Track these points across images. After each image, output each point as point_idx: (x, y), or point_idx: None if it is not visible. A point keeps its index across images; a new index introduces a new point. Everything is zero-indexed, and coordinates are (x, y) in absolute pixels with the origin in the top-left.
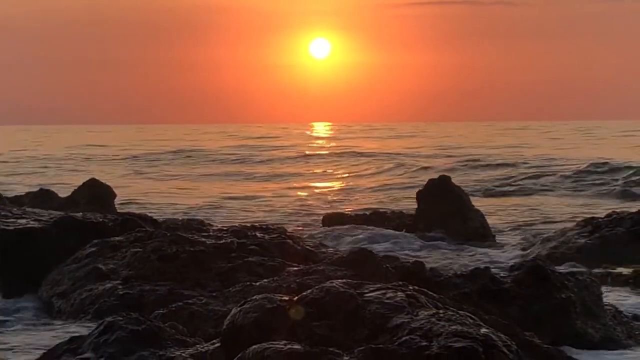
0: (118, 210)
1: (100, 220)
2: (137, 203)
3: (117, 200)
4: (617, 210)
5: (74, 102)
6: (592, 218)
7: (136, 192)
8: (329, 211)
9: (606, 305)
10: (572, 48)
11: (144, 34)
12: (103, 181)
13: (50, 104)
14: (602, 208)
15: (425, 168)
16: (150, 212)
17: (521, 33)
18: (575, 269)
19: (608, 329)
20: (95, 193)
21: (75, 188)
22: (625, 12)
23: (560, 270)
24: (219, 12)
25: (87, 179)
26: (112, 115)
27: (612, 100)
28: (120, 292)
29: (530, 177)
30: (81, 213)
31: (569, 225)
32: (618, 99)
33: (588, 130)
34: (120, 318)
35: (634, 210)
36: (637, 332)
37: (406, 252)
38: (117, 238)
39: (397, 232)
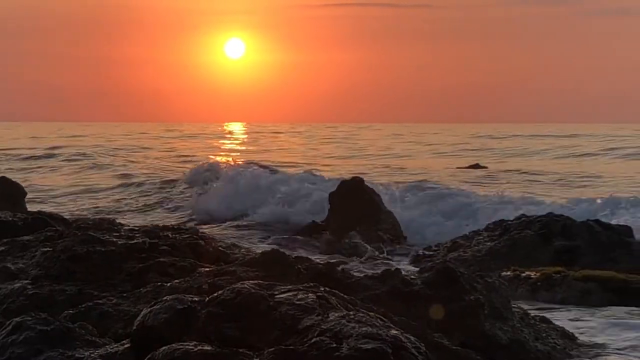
0: (28, 209)
1: (10, 219)
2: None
3: None
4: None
5: None
6: (502, 221)
7: None
8: None
9: (514, 307)
10: (489, 51)
11: (57, 29)
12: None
13: None
14: None
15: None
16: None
17: (437, 36)
18: (484, 272)
19: (516, 331)
20: (5, 191)
21: None
22: (540, 17)
23: (470, 273)
24: (134, 10)
25: None
26: (19, 111)
27: (525, 103)
28: (30, 292)
29: None
30: None
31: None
32: (530, 102)
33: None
34: (29, 318)
35: None
36: (544, 335)
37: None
38: (26, 237)
39: None
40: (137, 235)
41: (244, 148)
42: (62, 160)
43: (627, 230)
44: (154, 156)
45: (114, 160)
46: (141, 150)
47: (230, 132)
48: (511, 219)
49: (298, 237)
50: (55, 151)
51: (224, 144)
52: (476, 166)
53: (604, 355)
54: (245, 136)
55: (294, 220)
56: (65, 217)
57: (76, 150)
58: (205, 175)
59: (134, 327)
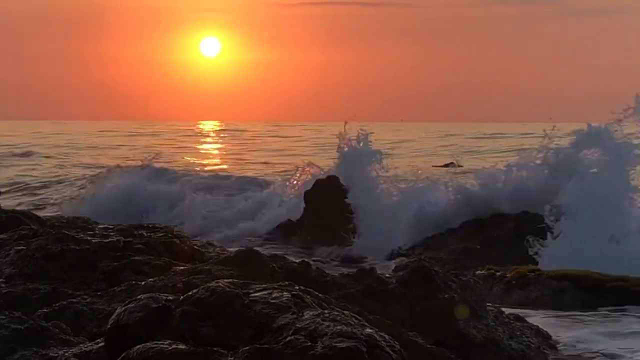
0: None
1: None
2: None
3: None
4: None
5: None
6: (477, 219)
7: None
8: None
9: (489, 305)
10: (469, 51)
11: (31, 28)
12: None
13: None
14: None
15: None
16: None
17: (416, 35)
18: (459, 270)
19: (490, 330)
20: None
21: None
22: (522, 17)
23: (444, 271)
24: (109, 8)
25: None
26: None
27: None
28: (3, 291)
29: None
30: None
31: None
32: (513, 101)
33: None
34: (3, 317)
35: None
36: (518, 333)
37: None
38: (0, 236)
39: None
40: (112, 234)
41: (200, 147)
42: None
43: None
44: (99, 155)
45: (52, 159)
46: (90, 149)
47: (198, 131)
48: None
49: (272, 235)
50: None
51: (181, 143)
52: (451, 164)
53: (578, 353)
54: (212, 135)
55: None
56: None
57: (26, 149)
58: (104, 177)
59: (108, 326)
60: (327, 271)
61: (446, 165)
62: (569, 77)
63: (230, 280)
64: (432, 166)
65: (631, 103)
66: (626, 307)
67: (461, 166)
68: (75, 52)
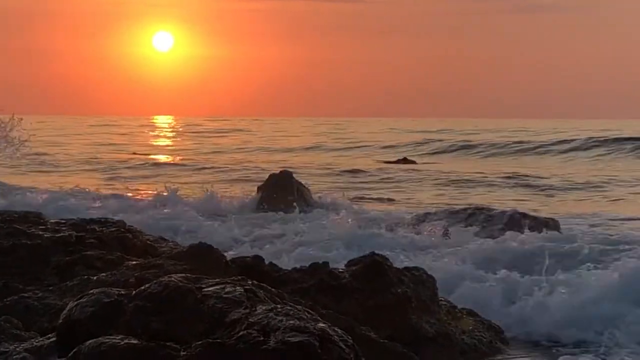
0: None
1: None
2: None
3: None
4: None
5: None
6: (427, 214)
7: None
8: None
9: (441, 300)
10: (414, 45)
11: None
12: None
13: None
14: None
15: None
16: None
17: (364, 30)
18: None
19: (442, 324)
20: None
21: None
22: (471, 12)
23: (397, 266)
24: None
25: None
26: None
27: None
28: None
29: None
30: None
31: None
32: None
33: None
34: None
35: None
36: (470, 328)
37: None
38: None
39: None
40: (64, 228)
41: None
42: None
43: (554, 222)
44: None
45: None
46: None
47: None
48: None
49: None
50: None
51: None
52: (404, 160)
53: (530, 347)
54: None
55: None
56: None
57: None
58: None
59: (60, 321)
60: (280, 265)
61: (399, 162)
62: (527, 74)
63: (183, 274)
64: (384, 162)
65: None
66: None
67: (414, 162)
68: (20, 45)
